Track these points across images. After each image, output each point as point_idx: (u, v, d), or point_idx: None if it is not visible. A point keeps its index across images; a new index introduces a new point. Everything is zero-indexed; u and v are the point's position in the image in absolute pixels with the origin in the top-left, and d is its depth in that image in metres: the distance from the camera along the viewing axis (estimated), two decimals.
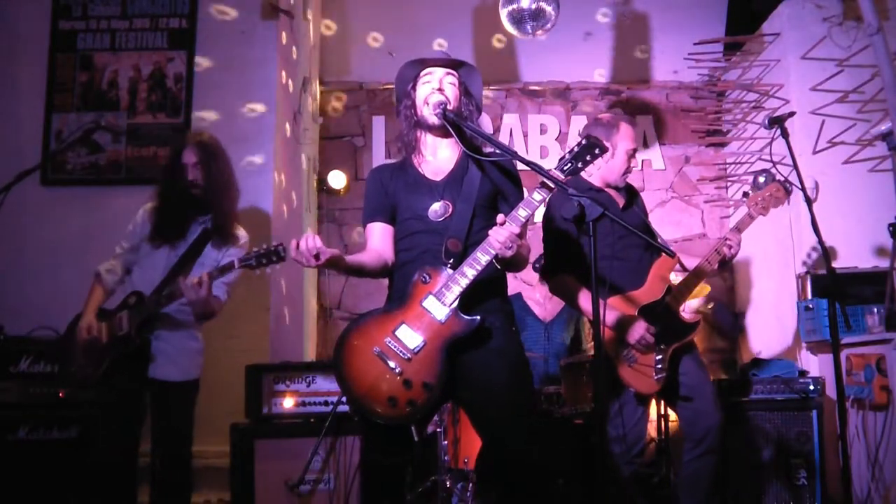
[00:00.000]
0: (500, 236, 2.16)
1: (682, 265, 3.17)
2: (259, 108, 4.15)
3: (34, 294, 3.89)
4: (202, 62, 4.18)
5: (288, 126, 4.46)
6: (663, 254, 3.07)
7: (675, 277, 3.21)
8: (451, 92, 2.42)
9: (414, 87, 2.46)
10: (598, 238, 2.90)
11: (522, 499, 2.24)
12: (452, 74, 2.46)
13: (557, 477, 3.72)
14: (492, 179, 2.43)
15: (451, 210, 2.35)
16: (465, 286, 2.20)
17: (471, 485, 3.59)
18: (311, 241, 2.15)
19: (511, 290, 5.05)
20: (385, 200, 2.45)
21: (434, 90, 2.40)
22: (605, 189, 3.17)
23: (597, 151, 2.25)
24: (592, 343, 3.66)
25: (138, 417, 2.98)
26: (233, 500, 3.36)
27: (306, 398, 3.44)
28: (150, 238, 3.06)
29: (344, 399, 2.35)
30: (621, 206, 3.17)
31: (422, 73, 2.45)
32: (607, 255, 3.01)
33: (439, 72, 2.44)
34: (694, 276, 3.11)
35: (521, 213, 2.21)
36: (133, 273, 3.09)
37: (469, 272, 2.20)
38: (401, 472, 2.39)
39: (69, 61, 4.20)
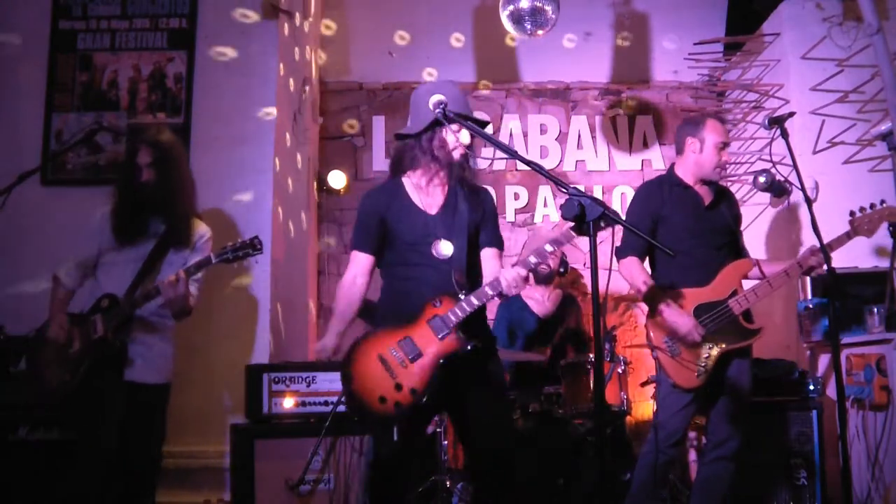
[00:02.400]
0: (509, 276, 2.46)
1: (761, 271, 3.17)
2: (259, 107, 4.14)
3: (34, 294, 3.89)
4: (202, 62, 4.18)
5: (288, 126, 4.45)
6: (741, 253, 3.19)
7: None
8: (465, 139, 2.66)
9: (442, 129, 2.61)
10: (669, 232, 3.06)
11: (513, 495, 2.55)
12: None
13: (557, 477, 3.72)
14: (474, 212, 2.68)
15: (453, 249, 2.60)
16: (469, 313, 2.49)
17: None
18: (326, 350, 2.66)
19: None
20: (378, 229, 2.66)
21: (460, 143, 2.63)
22: (694, 186, 3.23)
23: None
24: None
25: (119, 419, 2.90)
26: (233, 500, 3.35)
27: (306, 398, 3.44)
28: (111, 242, 3.01)
29: (343, 397, 2.60)
30: (707, 203, 3.23)
31: (454, 124, 2.62)
32: (676, 250, 3.04)
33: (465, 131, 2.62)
34: (767, 286, 3.10)
35: (532, 259, 2.51)
36: (100, 279, 3.04)
37: (475, 302, 2.49)
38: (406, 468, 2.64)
39: (69, 61, 4.19)
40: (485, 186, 2.75)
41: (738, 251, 3.24)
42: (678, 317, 3.01)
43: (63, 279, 3.08)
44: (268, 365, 3.65)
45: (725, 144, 3.23)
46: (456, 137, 2.60)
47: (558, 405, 3.81)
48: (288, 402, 3.43)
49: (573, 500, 3.67)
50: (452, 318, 2.47)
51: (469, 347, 2.48)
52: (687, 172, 3.25)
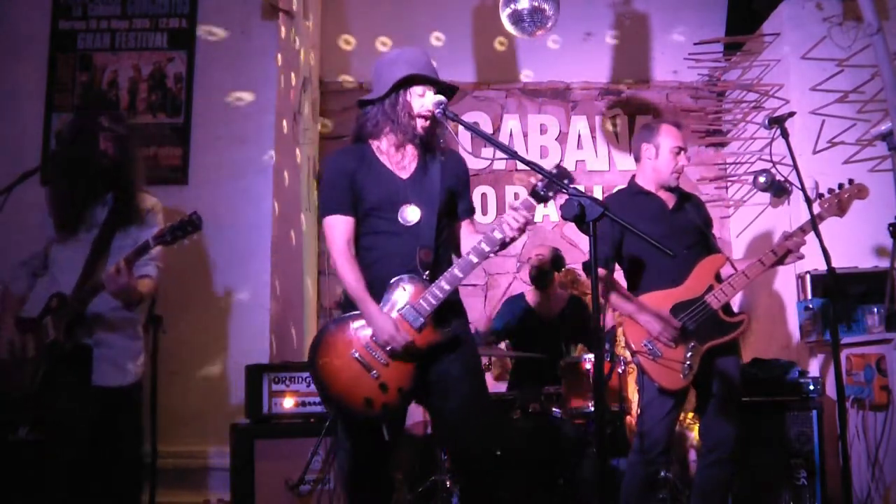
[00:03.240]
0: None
1: (732, 265, 3.15)
2: (259, 108, 4.14)
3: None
4: (202, 62, 4.17)
5: (288, 126, 4.45)
6: (712, 252, 3.16)
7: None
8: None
9: (406, 92, 2.45)
10: (637, 240, 2.93)
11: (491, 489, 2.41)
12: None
13: (557, 477, 3.73)
14: (448, 181, 2.51)
15: (420, 216, 2.42)
16: (440, 300, 2.33)
17: None
18: (396, 339, 2.36)
19: (513, 290, 5.08)
20: (351, 191, 2.46)
21: (425, 109, 2.44)
22: (657, 192, 3.22)
23: (566, 182, 2.28)
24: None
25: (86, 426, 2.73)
26: (233, 500, 3.36)
27: (306, 398, 3.44)
28: (55, 235, 2.87)
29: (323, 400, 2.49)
30: (671, 206, 3.22)
31: (416, 86, 2.46)
32: (647, 255, 3.06)
33: (431, 94, 2.46)
34: (743, 276, 3.07)
35: (497, 234, 2.31)
36: (55, 276, 2.88)
37: (447, 287, 2.33)
38: (385, 468, 2.51)
39: (69, 61, 4.19)
40: (456, 151, 2.61)
41: (711, 250, 3.20)
42: (651, 313, 2.99)
43: (9, 286, 2.96)
44: (268, 365, 3.65)
45: (681, 149, 3.20)
46: (422, 103, 2.43)
47: (558, 405, 3.81)
48: (288, 402, 3.43)
49: (573, 499, 3.67)
50: (426, 307, 2.33)
51: (450, 335, 2.37)
52: (647, 180, 3.24)
